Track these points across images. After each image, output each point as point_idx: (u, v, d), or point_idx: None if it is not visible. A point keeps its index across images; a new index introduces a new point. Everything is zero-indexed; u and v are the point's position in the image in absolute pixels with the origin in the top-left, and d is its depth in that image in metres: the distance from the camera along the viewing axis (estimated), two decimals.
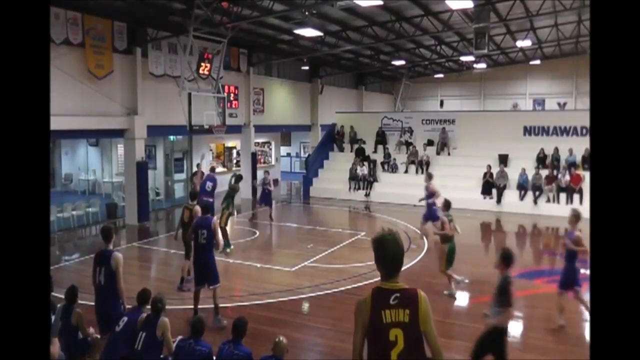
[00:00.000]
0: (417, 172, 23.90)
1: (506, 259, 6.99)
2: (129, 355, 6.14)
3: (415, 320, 3.42)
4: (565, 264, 9.18)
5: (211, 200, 13.22)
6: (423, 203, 15.89)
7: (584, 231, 9.97)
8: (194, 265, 9.51)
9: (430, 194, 15.45)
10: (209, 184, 13.77)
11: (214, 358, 5.96)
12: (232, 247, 14.32)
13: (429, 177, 16.08)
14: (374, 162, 25.06)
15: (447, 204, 11.60)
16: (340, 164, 25.99)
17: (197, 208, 11.22)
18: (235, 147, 28.48)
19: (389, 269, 3.51)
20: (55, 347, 5.98)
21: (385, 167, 25.01)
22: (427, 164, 23.91)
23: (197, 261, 9.32)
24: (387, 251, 3.48)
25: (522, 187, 21.05)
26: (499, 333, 6.53)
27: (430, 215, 15.11)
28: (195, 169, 20.76)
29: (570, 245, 8.97)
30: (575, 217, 9.08)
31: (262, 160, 30.50)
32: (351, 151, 26.78)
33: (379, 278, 3.54)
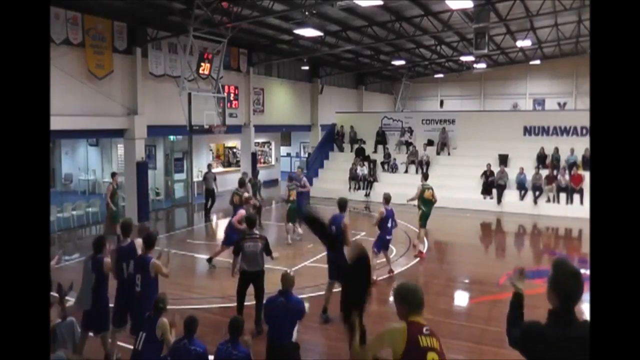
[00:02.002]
0: (417, 172, 23.90)
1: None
2: None
3: (443, 352, 3.86)
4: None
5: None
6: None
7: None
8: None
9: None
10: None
11: (211, 358, 5.94)
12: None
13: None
14: (374, 162, 25.06)
15: (290, 178, 15.76)
16: (340, 164, 25.99)
17: (246, 194, 13.66)
18: (235, 147, 28.49)
19: (416, 309, 3.94)
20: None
21: (385, 167, 25.01)
22: (427, 164, 23.91)
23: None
24: (417, 297, 3.96)
25: (521, 186, 21.05)
26: None
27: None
28: (206, 169, 20.88)
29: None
30: (341, 205, 9.99)
31: (262, 160, 30.50)
32: (351, 151, 26.78)
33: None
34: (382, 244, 11.81)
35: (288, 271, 6.66)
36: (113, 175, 16.18)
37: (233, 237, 12.10)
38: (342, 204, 9.95)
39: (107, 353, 7.70)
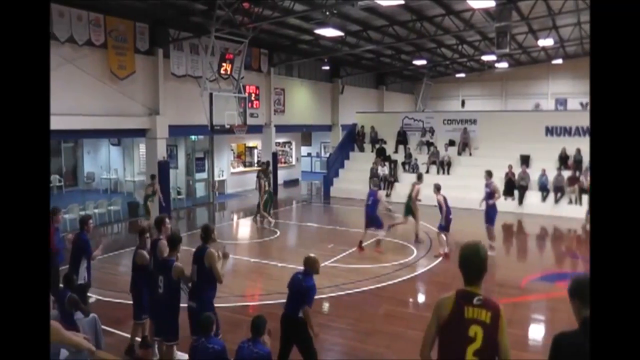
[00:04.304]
0: (438, 172, 23.75)
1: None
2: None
3: (495, 325, 3.60)
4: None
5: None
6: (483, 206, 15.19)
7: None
8: None
9: (492, 193, 14.87)
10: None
11: (231, 357, 5.98)
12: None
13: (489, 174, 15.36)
14: (395, 162, 24.97)
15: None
16: (360, 164, 25.91)
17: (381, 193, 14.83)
18: (256, 147, 28.59)
19: (470, 276, 3.82)
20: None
21: (406, 167, 24.89)
22: (449, 164, 23.78)
23: None
24: (472, 265, 3.81)
25: (543, 188, 20.84)
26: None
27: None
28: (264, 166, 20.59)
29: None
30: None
31: (282, 160, 30.57)
32: (372, 151, 26.69)
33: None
34: (446, 224, 14.05)
35: (312, 255, 6.92)
36: (153, 177, 17.63)
37: None
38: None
39: (130, 344, 7.85)
